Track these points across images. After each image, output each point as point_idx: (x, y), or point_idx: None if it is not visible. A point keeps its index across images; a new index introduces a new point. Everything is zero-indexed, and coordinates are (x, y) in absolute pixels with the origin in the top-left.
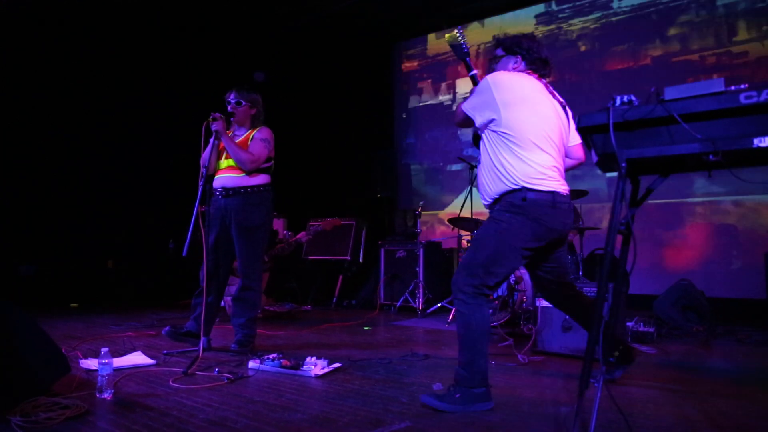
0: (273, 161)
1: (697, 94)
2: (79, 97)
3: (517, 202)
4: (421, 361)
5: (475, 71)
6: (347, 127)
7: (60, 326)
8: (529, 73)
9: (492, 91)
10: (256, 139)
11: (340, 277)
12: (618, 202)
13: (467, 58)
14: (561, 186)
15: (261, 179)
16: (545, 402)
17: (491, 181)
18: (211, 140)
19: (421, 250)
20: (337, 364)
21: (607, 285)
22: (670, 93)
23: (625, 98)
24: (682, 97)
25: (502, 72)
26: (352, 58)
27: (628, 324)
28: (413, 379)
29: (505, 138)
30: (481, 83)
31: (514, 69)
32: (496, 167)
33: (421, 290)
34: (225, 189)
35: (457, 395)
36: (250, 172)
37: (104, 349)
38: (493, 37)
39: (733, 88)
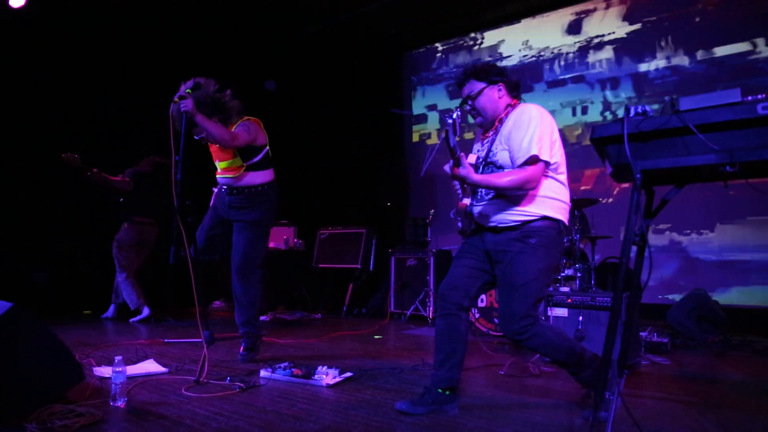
0: (268, 152)
1: (713, 104)
2: (87, 104)
3: (554, 234)
4: (431, 371)
5: (459, 152)
6: (357, 135)
7: (73, 333)
8: (514, 100)
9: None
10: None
11: (351, 285)
12: (632, 214)
13: (455, 143)
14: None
15: (261, 177)
16: (559, 413)
17: (518, 204)
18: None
19: (432, 258)
20: (348, 374)
21: (621, 296)
22: (686, 103)
23: (640, 109)
24: (698, 108)
25: (534, 106)
26: (362, 67)
27: (642, 334)
28: (425, 388)
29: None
30: (529, 119)
31: (500, 99)
32: (535, 194)
33: (431, 299)
34: (230, 187)
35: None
36: (245, 167)
37: (118, 358)
38: (462, 71)
39: (750, 98)
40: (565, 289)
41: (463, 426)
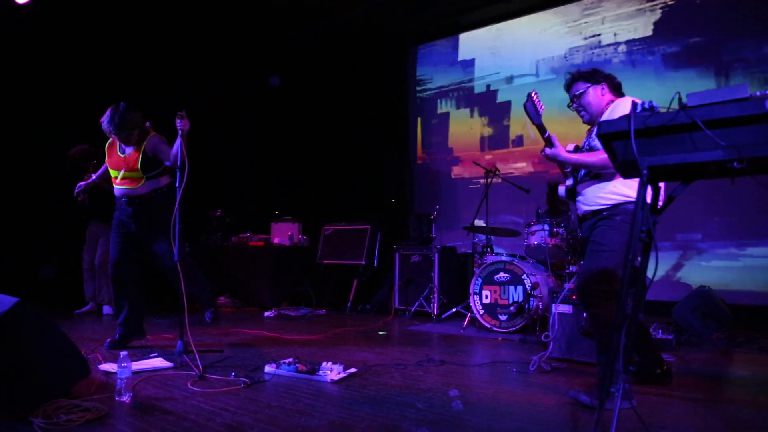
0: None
1: (720, 100)
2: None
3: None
4: (436, 367)
5: (548, 133)
6: (362, 131)
7: (79, 328)
8: (617, 98)
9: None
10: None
11: (355, 281)
12: (639, 210)
13: (540, 122)
14: None
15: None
16: (564, 410)
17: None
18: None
19: (436, 254)
20: (352, 370)
21: (628, 294)
22: (693, 99)
23: (647, 104)
24: (705, 104)
25: (627, 98)
26: (367, 62)
27: (653, 331)
28: (429, 385)
29: None
30: (619, 107)
31: (603, 96)
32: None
33: (436, 295)
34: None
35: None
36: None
37: (123, 353)
38: (570, 74)
39: (758, 93)
40: (570, 285)
41: (467, 422)
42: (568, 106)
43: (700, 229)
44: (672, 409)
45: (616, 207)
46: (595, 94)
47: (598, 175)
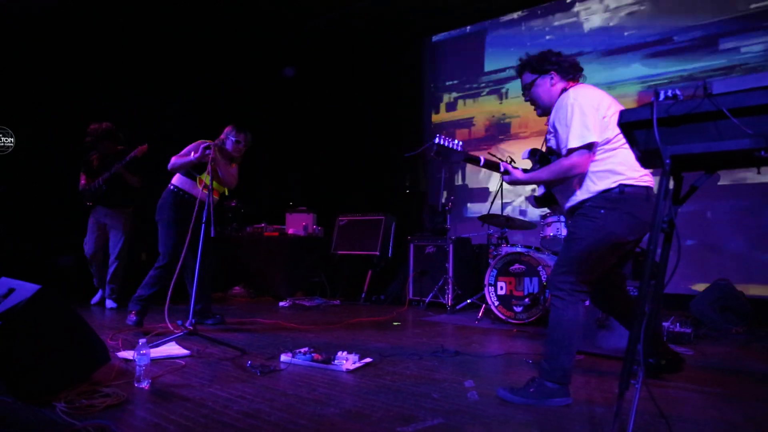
0: None
1: (747, 87)
2: (105, 93)
3: (613, 197)
4: (451, 358)
5: (501, 164)
6: (377, 122)
7: (97, 316)
8: (570, 83)
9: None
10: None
11: (369, 272)
12: (661, 200)
13: (469, 156)
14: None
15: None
16: (580, 402)
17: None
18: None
19: (451, 245)
20: (368, 359)
21: (649, 284)
22: (719, 87)
23: (670, 92)
24: (732, 91)
25: (570, 93)
26: (382, 52)
27: (665, 324)
28: (444, 375)
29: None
30: (565, 110)
31: (553, 87)
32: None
33: (450, 286)
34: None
35: (532, 389)
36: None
37: (142, 340)
38: (519, 63)
39: None
40: None
41: (483, 413)
42: (524, 98)
43: (720, 220)
44: (690, 403)
45: (590, 199)
46: (544, 86)
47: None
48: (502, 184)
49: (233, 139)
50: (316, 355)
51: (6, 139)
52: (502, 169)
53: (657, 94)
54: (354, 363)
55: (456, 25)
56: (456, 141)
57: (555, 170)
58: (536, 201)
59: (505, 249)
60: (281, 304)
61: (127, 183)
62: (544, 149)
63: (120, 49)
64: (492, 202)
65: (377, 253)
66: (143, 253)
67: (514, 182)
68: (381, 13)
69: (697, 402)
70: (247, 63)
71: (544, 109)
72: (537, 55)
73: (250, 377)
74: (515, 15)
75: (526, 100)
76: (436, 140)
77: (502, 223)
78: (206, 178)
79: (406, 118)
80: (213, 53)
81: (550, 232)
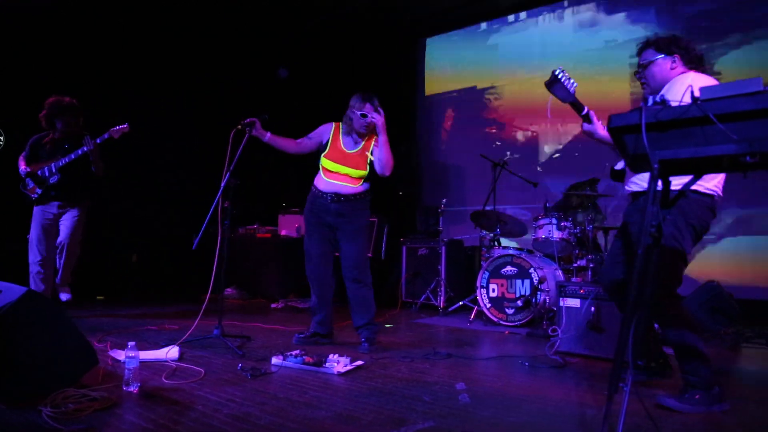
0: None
1: (733, 93)
2: (103, 93)
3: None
4: (443, 360)
5: (586, 109)
6: None
7: (87, 318)
8: (690, 71)
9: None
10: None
11: None
12: (650, 204)
13: (574, 99)
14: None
15: (365, 186)
16: (571, 404)
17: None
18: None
19: (443, 247)
20: (359, 362)
21: (639, 288)
22: (705, 93)
23: (658, 98)
24: (718, 97)
25: (688, 75)
26: (375, 53)
27: (655, 325)
28: (435, 378)
29: None
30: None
31: (673, 70)
32: None
33: (442, 288)
34: (337, 195)
35: (697, 396)
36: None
37: (131, 343)
38: (645, 40)
39: None
40: (578, 279)
41: (474, 415)
42: (636, 75)
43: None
44: None
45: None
46: (664, 66)
47: None
48: (495, 187)
49: (357, 113)
50: (307, 358)
51: None
52: (584, 112)
53: (645, 100)
54: (345, 365)
55: (453, 26)
56: (572, 82)
57: None
58: (612, 174)
59: (497, 251)
60: (273, 305)
61: (89, 170)
62: None
63: (118, 49)
64: (485, 204)
65: (370, 254)
66: (134, 255)
67: (590, 133)
68: (375, 13)
69: None
70: (244, 63)
71: (654, 89)
72: (666, 36)
73: (241, 380)
74: (511, 17)
75: (637, 77)
76: (558, 72)
77: (494, 221)
78: (327, 163)
79: (400, 119)
80: (210, 53)
81: (542, 234)
